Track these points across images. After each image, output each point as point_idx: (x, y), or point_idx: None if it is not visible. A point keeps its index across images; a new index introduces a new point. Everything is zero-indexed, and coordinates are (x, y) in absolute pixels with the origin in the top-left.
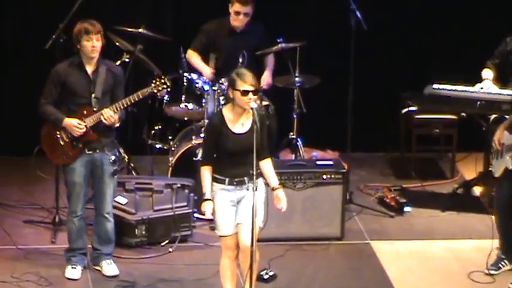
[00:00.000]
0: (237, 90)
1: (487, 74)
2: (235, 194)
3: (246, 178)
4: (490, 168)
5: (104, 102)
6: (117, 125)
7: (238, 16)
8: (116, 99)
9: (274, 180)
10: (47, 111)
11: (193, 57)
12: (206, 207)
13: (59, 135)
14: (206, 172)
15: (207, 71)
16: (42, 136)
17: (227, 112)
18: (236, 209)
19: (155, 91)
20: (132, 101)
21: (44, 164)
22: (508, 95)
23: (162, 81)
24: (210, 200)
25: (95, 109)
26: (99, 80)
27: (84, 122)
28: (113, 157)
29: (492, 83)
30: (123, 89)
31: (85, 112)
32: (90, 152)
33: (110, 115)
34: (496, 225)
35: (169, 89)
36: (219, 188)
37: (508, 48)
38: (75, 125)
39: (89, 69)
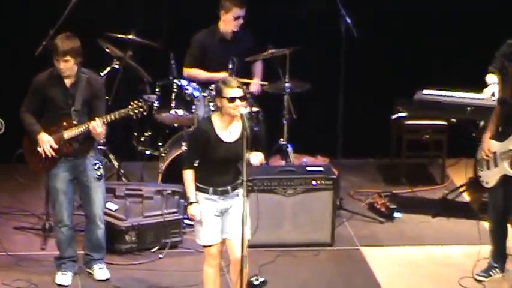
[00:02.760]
0: (223, 97)
1: (492, 79)
2: (219, 204)
3: (229, 187)
4: (480, 179)
5: (83, 114)
6: (102, 139)
7: (238, 21)
8: (94, 111)
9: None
10: (25, 120)
11: (195, 72)
12: (193, 210)
13: (38, 146)
14: (189, 176)
15: (221, 76)
16: (23, 143)
17: (216, 120)
18: (222, 221)
19: (131, 113)
20: (115, 118)
21: (29, 169)
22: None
23: (140, 104)
24: (196, 202)
25: (74, 122)
26: (78, 92)
27: (63, 134)
28: (96, 162)
29: (498, 88)
30: (102, 100)
31: (65, 124)
32: (71, 158)
33: (100, 131)
34: (490, 232)
35: (145, 113)
36: (203, 197)
37: (509, 51)
38: (46, 146)
39: (68, 81)
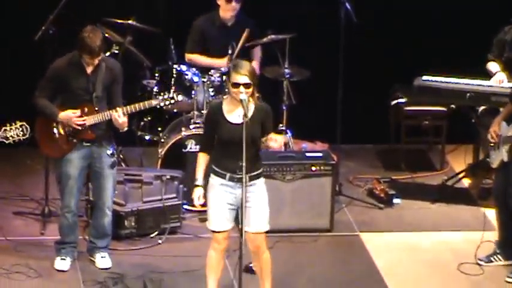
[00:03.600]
0: (230, 81)
1: (495, 67)
2: (234, 191)
3: (246, 176)
4: (487, 159)
5: (103, 100)
6: (125, 128)
7: (230, 4)
8: (113, 95)
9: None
10: (41, 105)
11: (197, 58)
12: (195, 193)
13: (55, 129)
14: (201, 159)
15: (221, 62)
16: (36, 127)
17: (226, 102)
18: (236, 211)
19: (161, 104)
20: (138, 109)
21: (33, 154)
22: (499, 86)
23: (171, 96)
24: (200, 186)
25: (96, 108)
26: (99, 78)
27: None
28: (111, 149)
29: (505, 75)
30: (120, 86)
31: (86, 109)
32: (88, 144)
33: (123, 121)
34: (496, 218)
35: (174, 103)
36: (218, 182)
37: (506, 38)
38: (72, 116)
39: (89, 68)
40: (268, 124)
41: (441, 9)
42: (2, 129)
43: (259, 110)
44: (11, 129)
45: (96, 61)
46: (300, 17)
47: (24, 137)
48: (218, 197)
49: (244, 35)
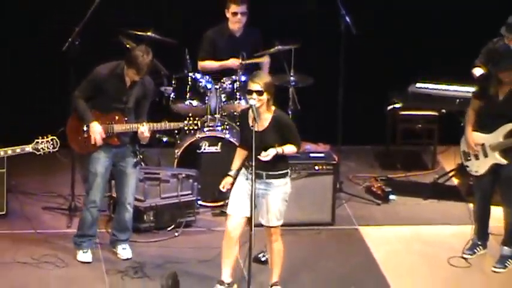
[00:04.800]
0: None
1: (479, 71)
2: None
3: (263, 173)
4: (468, 169)
5: (132, 111)
6: (146, 142)
7: (236, 16)
8: (141, 109)
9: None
10: (78, 106)
11: (207, 63)
12: (224, 181)
13: (85, 129)
14: (237, 152)
15: (231, 62)
16: (69, 122)
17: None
18: (257, 202)
19: (185, 128)
20: (163, 128)
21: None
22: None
23: (196, 122)
24: (230, 176)
25: (126, 118)
26: (134, 92)
27: (113, 126)
28: (134, 150)
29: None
30: (149, 101)
31: (116, 118)
32: (115, 145)
33: (146, 135)
34: (474, 212)
35: (198, 129)
36: (244, 174)
37: (495, 47)
38: (96, 136)
39: (128, 81)
40: (287, 134)
41: (441, 9)
42: (35, 142)
43: (277, 121)
44: (42, 142)
45: (138, 78)
46: (304, 28)
47: (53, 150)
48: (239, 186)
49: (263, 60)
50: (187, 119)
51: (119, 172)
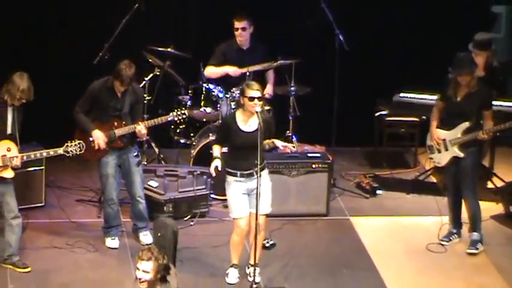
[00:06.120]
0: (245, 97)
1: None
2: (246, 184)
3: (253, 171)
4: (432, 160)
5: (128, 115)
6: (145, 138)
7: (238, 31)
8: (135, 112)
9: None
10: (79, 119)
11: (213, 68)
12: (213, 163)
13: (91, 139)
14: (215, 149)
15: (231, 69)
16: (76, 135)
17: (239, 114)
18: (249, 198)
19: (175, 119)
20: (156, 123)
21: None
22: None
23: (182, 111)
24: (217, 158)
25: (124, 123)
26: (126, 99)
27: (114, 132)
28: (135, 151)
29: None
30: (142, 105)
31: (116, 124)
32: (117, 149)
33: (144, 132)
34: (448, 204)
35: (186, 118)
36: (232, 179)
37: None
38: (100, 141)
39: (119, 92)
40: (272, 129)
41: (409, 31)
42: (65, 145)
43: (265, 122)
44: (71, 145)
45: (123, 88)
46: (303, 45)
47: (80, 152)
48: (235, 190)
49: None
50: (175, 110)
51: (125, 171)
